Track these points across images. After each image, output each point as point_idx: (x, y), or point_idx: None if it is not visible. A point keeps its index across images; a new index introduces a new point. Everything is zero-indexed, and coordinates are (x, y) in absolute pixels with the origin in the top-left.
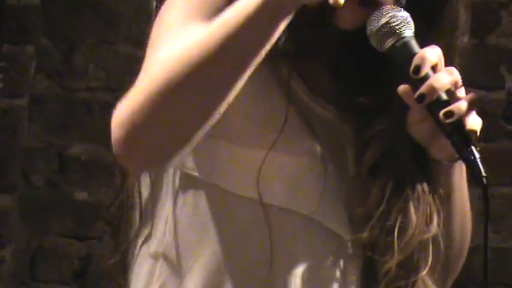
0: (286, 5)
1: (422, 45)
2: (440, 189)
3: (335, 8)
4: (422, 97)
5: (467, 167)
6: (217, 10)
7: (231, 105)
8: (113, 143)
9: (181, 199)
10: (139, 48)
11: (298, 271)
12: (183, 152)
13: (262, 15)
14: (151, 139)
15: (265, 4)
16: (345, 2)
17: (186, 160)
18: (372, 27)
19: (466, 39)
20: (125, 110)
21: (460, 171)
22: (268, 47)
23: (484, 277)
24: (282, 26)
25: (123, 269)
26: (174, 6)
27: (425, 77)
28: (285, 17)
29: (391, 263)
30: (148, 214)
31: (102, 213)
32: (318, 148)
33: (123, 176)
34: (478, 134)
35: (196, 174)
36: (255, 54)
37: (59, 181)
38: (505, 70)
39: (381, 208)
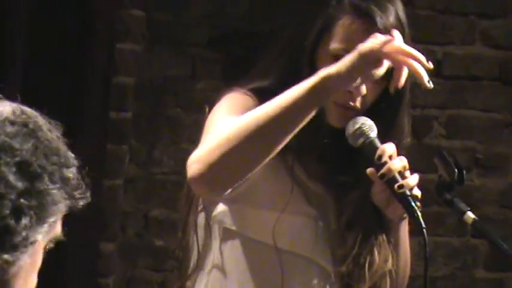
0: (323, 98)
1: (382, 142)
2: (392, 239)
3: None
4: (383, 176)
5: (412, 220)
6: (248, 110)
7: (255, 183)
8: (189, 176)
9: (223, 244)
10: (196, 145)
11: None
12: (239, 181)
13: (302, 104)
14: (225, 176)
15: (308, 98)
16: (335, 109)
17: (225, 219)
18: (349, 130)
19: (409, 139)
20: (200, 154)
21: (404, 226)
22: (304, 121)
23: None
24: (315, 109)
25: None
26: (219, 109)
27: (385, 163)
28: (318, 105)
29: (363, 287)
30: (204, 254)
31: (173, 251)
32: (312, 211)
33: (184, 230)
34: (419, 199)
35: (233, 228)
36: (293, 127)
37: (144, 233)
38: (439, 162)
39: (355, 251)
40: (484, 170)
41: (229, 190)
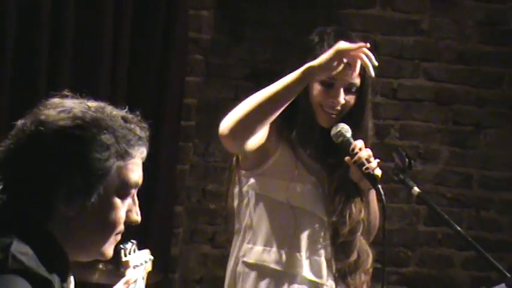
0: (306, 80)
1: (354, 139)
2: (364, 198)
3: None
4: (355, 162)
5: (375, 190)
6: None
7: (274, 164)
8: (220, 134)
9: (254, 205)
10: None
11: (305, 235)
12: (251, 134)
13: (294, 83)
14: (242, 127)
15: (297, 80)
16: (323, 114)
17: (256, 187)
18: (333, 132)
19: (373, 138)
20: (229, 118)
21: (372, 193)
22: (294, 95)
23: (383, 241)
24: (303, 86)
25: (230, 240)
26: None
27: (356, 153)
28: (305, 84)
29: (345, 230)
30: (239, 213)
31: (220, 213)
32: (313, 180)
33: (226, 198)
34: (380, 177)
35: (260, 192)
36: (288, 96)
37: (202, 200)
38: (395, 154)
39: (340, 206)
40: (424, 160)
41: (246, 142)
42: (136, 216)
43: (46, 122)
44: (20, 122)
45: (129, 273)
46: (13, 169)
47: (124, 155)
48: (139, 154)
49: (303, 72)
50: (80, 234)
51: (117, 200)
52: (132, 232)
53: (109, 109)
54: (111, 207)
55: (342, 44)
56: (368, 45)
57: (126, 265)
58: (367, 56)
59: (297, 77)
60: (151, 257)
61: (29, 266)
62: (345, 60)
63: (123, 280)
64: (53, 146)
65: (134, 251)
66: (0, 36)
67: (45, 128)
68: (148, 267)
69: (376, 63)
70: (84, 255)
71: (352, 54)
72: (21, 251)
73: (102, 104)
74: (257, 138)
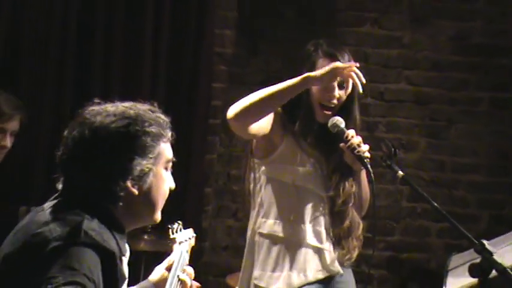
0: (303, 87)
1: (347, 129)
2: (356, 178)
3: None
4: (349, 147)
5: (365, 170)
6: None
7: (281, 152)
8: (228, 119)
9: (265, 187)
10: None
11: (307, 208)
12: (252, 121)
13: (292, 87)
14: (244, 113)
15: (295, 85)
16: (320, 110)
17: (267, 171)
18: (329, 124)
19: (360, 126)
20: (236, 104)
21: (363, 173)
22: (291, 96)
23: (373, 216)
24: (299, 91)
25: (247, 216)
26: None
27: (349, 140)
28: (302, 89)
29: (340, 201)
30: (254, 193)
31: (239, 193)
32: (313, 163)
33: (243, 181)
34: (369, 158)
35: (270, 176)
36: (287, 96)
37: (228, 182)
38: (383, 145)
39: (335, 183)
40: (406, 149)
41: (248, 125)
42: (173, 184)
43: (108, 127)
44: (77, 130)
45: (175, 248)
46: (84, 165)
47: (164, 138)
48: (170, 135)
49: (302, 79)
50: (141, 208)
51: (165, 173)
52: (171, 210)
53: (139, 105)
54: (163, 180)
55: (338, 63)
56: (358, 64)
57: (173, 241)
58: (357, 74)
59: (296, 82)
60: (195, 234)
61: (97, 240)
62: (338, 78)
63: (166, 264)
64: (118, 145)
65: (180, 230)
66: (63, 44)
67: (109, 131)
68: (192, 242)
69: (364, 81)
70: (140, 223)
71: (345, 72)
72: (91, 227)
73: (132, 103)
74: (257, 126)
